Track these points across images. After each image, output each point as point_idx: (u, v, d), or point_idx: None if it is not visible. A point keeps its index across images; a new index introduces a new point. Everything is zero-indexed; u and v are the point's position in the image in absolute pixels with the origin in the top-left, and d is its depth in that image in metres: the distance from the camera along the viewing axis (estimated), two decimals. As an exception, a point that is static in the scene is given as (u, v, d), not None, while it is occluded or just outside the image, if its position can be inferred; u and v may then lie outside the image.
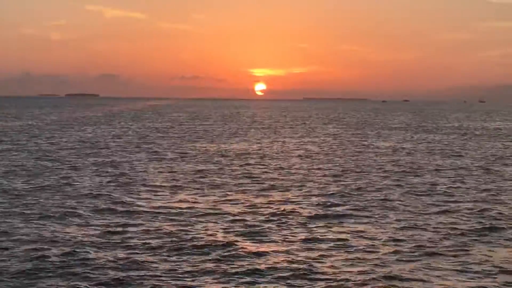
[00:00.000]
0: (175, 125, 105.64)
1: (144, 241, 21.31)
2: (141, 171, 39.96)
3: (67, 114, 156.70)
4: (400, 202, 29.44)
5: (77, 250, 20.04)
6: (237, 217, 25.59)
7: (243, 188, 33.62)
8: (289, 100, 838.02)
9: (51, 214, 25.51)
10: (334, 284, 17.17)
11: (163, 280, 17.28)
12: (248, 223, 24.57)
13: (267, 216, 25.94)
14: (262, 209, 27.37)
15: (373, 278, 17.60)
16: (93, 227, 23.43)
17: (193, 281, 17.31)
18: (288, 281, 17.41)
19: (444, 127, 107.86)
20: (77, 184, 33.89)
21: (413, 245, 21.25)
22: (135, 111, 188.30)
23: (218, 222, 24.73)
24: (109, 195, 30.51)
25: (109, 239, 21.57)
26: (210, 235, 22.40)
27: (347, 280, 17.46)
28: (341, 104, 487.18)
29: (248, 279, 17.57)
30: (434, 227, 24.11)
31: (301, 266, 18.68)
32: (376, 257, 19.78)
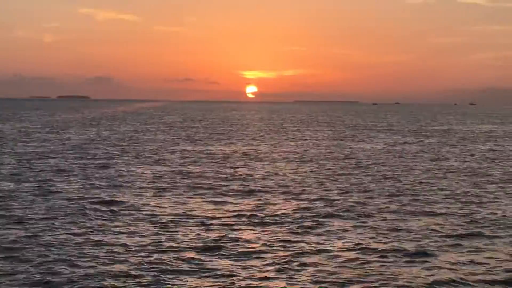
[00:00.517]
0: (164, 127, 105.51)
1: (125, 242, 21.30)
2: (124, 174, 39.89)
3: (52, 116, 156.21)
4: (383, 205, 29.51)
5: (56, 250, 20.02)
6: (218, 220, 25.61)
7: (225, 190, 33.63)
8: (280, 103, 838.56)
9: (31, 217, 25.46)
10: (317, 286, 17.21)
11: (144, 282, 17.29)
12: (228, 224, 24.61)
13: (248, 218, 25.98)
14: (244, 211, 27.40)
15: (357, 280, 17.67)
16: (75, 228, 23.39)
17: (174, 282, 17.32)
18: (270, 283, 17.43)
19: (433, 130, 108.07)
20: (57, 187, 33.83)
21: (396, 247, 21.29)
22: (125, 113, 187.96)
23: (199, 224, 24.74)
24: (91, 197, 30.48)
25: (90, 240, 21.55)
26: (193, 235, 22.43)
27: (331, 281, 17.51)
28: (331, 106, 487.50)
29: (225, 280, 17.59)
30: (416, 229, 24.18)
31: (283, 266, 18.75)
32: (360, 259, 19.83)
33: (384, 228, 24.30)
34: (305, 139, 78.30)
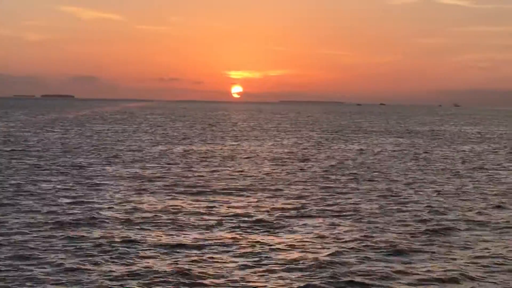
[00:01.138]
0: (145, 127, 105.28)
1: (97, 244, 21.18)
2: (99, 174, 39.72)
3: (35, 117, 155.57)
4: (362, 204, 29.54)
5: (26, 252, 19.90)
6: (194, 219, 25.54)
7: (200, 189, 33.56)
8: (265, 103, 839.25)
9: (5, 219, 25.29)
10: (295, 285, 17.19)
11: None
12: (206, 224, 24.56)
13: (225, 218, 25.92)
14: (221, 211, 27.35)
15: (336, 280, 17.70)
16: (48, 229, 23.23)
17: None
18: (250, 283, 17.40)
19: (415, 131, 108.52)
20: (32, 187, 33.65)
21: (374, 245, 21.35)
22: (107, 113, 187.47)
23: (178, 224, 24.64)
24: (64, 196, 30.33)
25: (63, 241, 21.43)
26: (167, 235, 22.35)
27: (307, 281, 17.52)
28: (315, 107, 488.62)
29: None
30: (393, 228, 24.23)
31: (257, 265, 18.71)
32: (337, 257, 19.85)
33: (359, 227, 24.30)
34: (279, 140, 78.41)
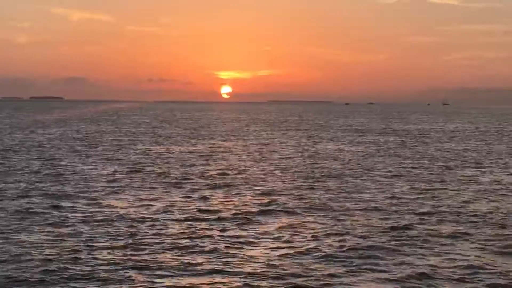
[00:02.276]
0: (130, 127, 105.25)
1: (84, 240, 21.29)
2: (80, 173, 39.78)
3: (19, 118, 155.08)
4: (334, 202, 29.73)
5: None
6: (174, 216, 25.66)
7: (181, 187, 33.69)
8: (254, 103, 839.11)
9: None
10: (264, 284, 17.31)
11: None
12: (184, 220, 24.69)
13: (208, 213, 26.08)
14: (203, 208, 27.50)
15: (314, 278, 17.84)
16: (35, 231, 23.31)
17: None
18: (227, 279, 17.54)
19: (399, 130, 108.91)
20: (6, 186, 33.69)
21: (341, 243, 21.47)
22: (96, 114, 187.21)
23: (163, 222, 24.76)
24: (39, 194, 30.39)
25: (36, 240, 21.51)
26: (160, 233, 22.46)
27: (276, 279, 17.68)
28: (304, 106, 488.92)
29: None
30: (361, 227, 24.41)
31: (233, 262, 18.85)
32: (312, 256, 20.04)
33: (333, 225, 24.49)
34: (263, 139, 78.63)
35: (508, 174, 42.30)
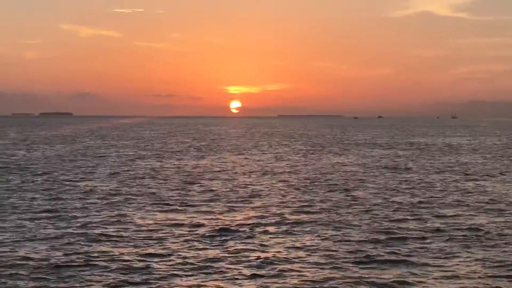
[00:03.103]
0: (136, 142, 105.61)
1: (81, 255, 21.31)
2: (77, 188, 39.89)
3: (27, 133, 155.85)
4: (334, 214, 29.72)
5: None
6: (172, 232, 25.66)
7: (182, 203, 33.73)
8: (264, 117, 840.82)
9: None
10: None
11: None
12: (180, 237, 24.68)
13: (209, 228, 26.10)
14: (205, 222, 27.49)
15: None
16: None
17: None
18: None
19: (405, 143, 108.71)
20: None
21: (340, 255, 21.69)
22: (103, 129, 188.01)
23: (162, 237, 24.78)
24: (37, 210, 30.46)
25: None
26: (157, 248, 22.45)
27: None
28: (313, 120, 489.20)
29: None
30: (356, 236, 24.43)
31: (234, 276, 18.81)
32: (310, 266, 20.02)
33: (322, 235, 24.48)
34: (266, 153, 78.68)
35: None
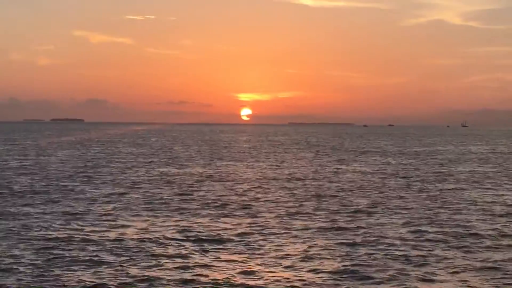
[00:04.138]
0: (148, 150, 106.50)
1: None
2: (89, 196, 40.94)
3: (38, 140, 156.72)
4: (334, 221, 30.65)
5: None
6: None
7: (183, 210, 34.71)
8: (275, 125, 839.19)
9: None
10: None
11: None
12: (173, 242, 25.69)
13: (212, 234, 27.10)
14: (206, 228, 28.52)
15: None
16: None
17: None
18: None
19: (411, 152, 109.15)
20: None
21: (340, 263, 22.27)
22: (113, 136, 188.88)
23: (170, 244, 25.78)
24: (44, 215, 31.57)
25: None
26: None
27: None
28: (324, 128, 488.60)
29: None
30: (359, 244, 25.33)
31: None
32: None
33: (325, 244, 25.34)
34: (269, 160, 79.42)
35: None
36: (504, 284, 20.08)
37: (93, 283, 19.42)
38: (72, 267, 21.25)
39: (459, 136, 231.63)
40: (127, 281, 19.73)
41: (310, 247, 24.90)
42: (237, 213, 33.66)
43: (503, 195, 43.32)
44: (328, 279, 20.27)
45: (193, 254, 23.57)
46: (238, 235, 27.44)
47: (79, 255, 22.96)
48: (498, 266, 22.20)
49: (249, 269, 21.36)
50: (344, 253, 23.77)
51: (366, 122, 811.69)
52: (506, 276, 20.96)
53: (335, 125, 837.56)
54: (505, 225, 30.41)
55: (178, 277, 20.17)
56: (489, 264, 22.42)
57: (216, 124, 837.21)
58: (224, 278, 20.18)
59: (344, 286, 19.55)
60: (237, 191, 43.97)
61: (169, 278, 20.09)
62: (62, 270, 20.86)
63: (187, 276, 20.39)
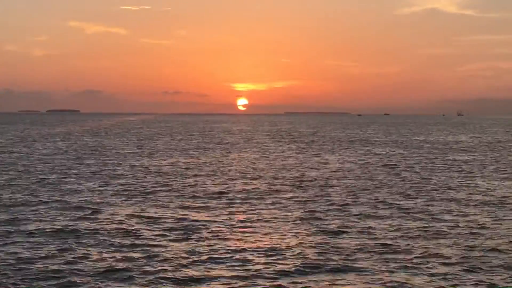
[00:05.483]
0: (136, 140, 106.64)
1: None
2: (80, 186, 41.36)
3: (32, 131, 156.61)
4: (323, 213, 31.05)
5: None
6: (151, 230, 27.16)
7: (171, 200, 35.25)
8: (271, 115, 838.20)
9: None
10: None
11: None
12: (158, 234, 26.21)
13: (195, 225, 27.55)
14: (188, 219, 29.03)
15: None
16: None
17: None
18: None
19: (400, 141, 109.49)
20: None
21: (325, 256, 22.14)
22: (107, 127, 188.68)
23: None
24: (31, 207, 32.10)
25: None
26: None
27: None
28: (318, 118, 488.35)
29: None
30: (346, 237, 25.41)
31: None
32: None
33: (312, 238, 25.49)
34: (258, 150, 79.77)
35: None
36: (487, 271, 20.31)
37: (71, 275, 19.75)
38: (53, 260, 21.53)
39: (449, 125, 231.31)
40: (107, 270, 20.19)
41: (290, 237, 25.10)
42: (213, 204, 33.69)
43: (491, 184, 43.77)
44: (309, 270, 20.35)
45: (167, 244, 23.80)
46: (211, 224, 27.66)
47: (61, 247, 23.18)
48: (482, 255, 22.36)
49: (226, 260, 21.49)
50: (324, 243, 23.94)
51: (361, 112, 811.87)
52: (490, 264, 21.20)
53: (330, 115, 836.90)
54: (488, 215, 30.68)
55: (149, 269, 20.49)
56: (474, 254, 22.56)
57: (212, 114, 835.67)
58: (199, 269, 20.37)
59: (325, 277, 19.65)
60: (215, 181, 44.22)
61: (143, 269, 20.50)
62: (43, 264, 21.09)
63: (157, 266, 20.73)
